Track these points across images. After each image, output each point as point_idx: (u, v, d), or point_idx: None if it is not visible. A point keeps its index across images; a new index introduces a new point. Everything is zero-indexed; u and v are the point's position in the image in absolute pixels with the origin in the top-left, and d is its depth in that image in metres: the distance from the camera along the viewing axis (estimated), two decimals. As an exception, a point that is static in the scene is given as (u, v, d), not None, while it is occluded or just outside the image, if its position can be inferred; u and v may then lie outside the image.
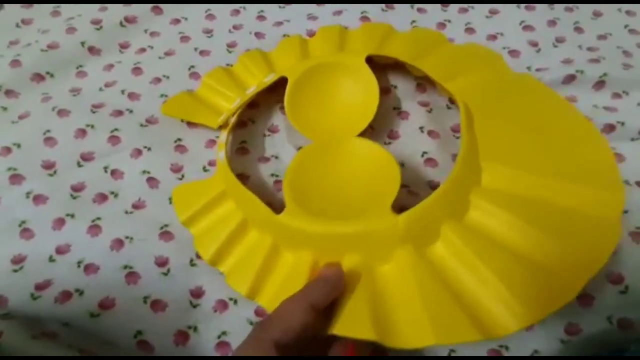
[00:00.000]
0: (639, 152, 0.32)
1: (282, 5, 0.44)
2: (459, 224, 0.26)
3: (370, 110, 0.33)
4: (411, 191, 0.33)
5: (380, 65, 0.37)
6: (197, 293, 0.30)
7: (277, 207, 0.32)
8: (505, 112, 0.33)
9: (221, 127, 0.35)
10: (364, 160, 0.30)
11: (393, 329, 0.23)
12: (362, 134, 0.35)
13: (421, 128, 0.36)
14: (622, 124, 0.34)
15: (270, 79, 0.34)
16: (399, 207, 0.32)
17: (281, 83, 0.34)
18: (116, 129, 0.35)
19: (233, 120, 0.34)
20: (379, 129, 0.36)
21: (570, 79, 0.36)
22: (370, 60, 0.34)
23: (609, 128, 0.34)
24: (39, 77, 0.38)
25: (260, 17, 0.43)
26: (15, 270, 0.30)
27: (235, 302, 0.30)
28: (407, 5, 0.43)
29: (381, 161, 0.29)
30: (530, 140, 0.31)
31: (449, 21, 0.41)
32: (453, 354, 0.27)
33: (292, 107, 0.33)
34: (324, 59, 0.34)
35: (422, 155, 0.35)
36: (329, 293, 0.22)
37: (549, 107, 0.34)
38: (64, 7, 0.43)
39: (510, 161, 0.29)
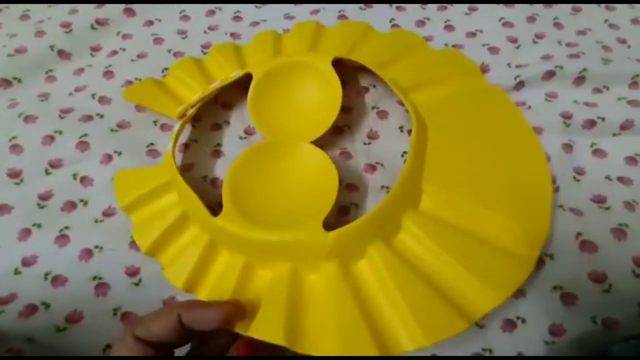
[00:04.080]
0: (620, 148, 0.32)
1: (258, 5, 0.43)
2: (385, 247, 0.27)
3: (333, 113, 0.32)
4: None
5: (360, 65, 0.36)
6: (170, 303, 0.29)
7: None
8: (462, 132, 0.32)
9: (180, 118, 0.34)
10: (308, 167, 0.30)
11: (303, 336, 0.24)
12: (339, 134, 0.35)
13: (401, 128, 0.35)
14: (603, 119, 0.33)
15: (235, 74, 0.34)
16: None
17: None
18: (85, 135, 0.34)
19: (191, 112, 0.33)
20: (358, 129, 0.35)
21: (550, 74, 0.35)
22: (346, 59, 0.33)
23: (590, 124, 0.33)
24: (5, 83, 0.37)
25: (237, 18, 0.42)
26: (-21, 284, 0.28)
27: (211, 311, 0.29)
28: (386, 4, 0.42)
29: (324, 172, 0.29)
30: (477, 167, 0.31)
31: (428, 19, 0.41)
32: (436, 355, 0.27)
33: (255, 104, 0.33)
34: (290, 58, 0.34)
35: (402, 155, 0.34)
36: (199, 319, 0.22)
37: (507, 130, 0.33)
38: (34, 11, 0.42)
39: (450, 187, 0.29)
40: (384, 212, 0.27)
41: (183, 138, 0.35)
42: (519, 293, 0.28)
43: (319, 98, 0.33)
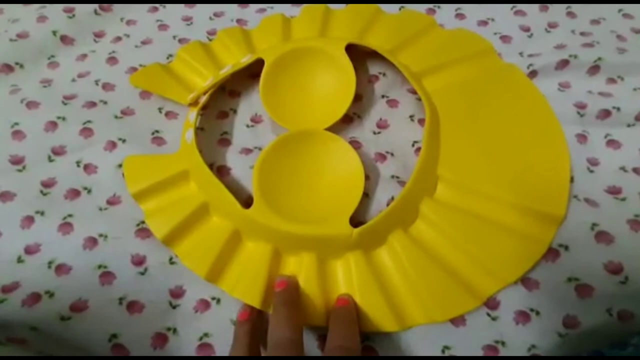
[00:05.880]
0: (635, 138, 0.32)
1: (265, -9, 0.42)
2: (404, 235, 0.28)
3: (346, 100, 0.32)
4: (401, 181, 0.31)
5: (369, 52, 0.35)
6: (177, 293, 0.28)
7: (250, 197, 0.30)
8: (477, 116, 0.32)
9: (191, 105, 0.33)
10: (336, 161, 0.30)
11: None
12: (349, 123, 0.34)
13: (411, 116, 0.34)
14: (618, 109, 0.33)
15: (246, 59, 0.33)
16: (389, 199, 0.30)
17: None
18: (89, 121, 0.33)
19: (204, 99, 0.33)
20: (368, 118, 0.35)
21: (563, 64, 0.34)
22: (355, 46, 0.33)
23: (604, 114, 0.32)
24: (7, 68, 0.36)
25: (243, 4, 0.41)
26: (-19, 272, 0.28)
27: (218, 301, 0.28)
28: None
29: (351, 168, 0.30)
30: (492, 151, 0.31)
31: (439, 7, 0.40)
32: (447, 351, 0.26)
33: (267, 90, 0.32)
34: (302, 43, 0.33)
35: (413, 145, 0.33)
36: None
37: (523, 112, 0.33)
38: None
39: (466, 173, 0.30)
40: (403, 203, 0.28)
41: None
42: (533, 284, 0.27)
43: (332, 85, 0.32)
